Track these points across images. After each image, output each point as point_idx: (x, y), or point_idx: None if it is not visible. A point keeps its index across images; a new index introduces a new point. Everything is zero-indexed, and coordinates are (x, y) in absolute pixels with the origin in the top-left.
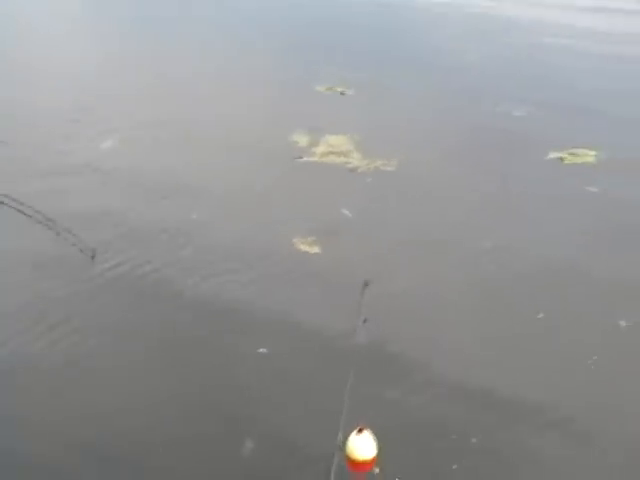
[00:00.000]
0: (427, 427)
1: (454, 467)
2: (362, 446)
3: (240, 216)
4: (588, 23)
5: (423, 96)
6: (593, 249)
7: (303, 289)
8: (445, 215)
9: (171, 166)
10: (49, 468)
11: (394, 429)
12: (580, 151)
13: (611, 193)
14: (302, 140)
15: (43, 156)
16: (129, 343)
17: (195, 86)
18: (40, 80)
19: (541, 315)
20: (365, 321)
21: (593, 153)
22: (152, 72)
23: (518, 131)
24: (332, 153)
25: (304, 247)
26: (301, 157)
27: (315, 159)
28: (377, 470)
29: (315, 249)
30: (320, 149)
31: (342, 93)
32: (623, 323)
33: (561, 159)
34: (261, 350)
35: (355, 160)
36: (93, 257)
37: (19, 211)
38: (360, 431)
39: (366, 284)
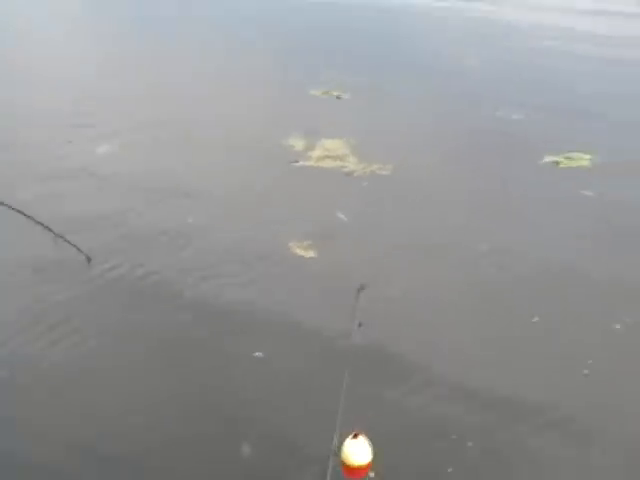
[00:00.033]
0: (425, 428)
1: (449, 470)
2: (357, 451)
3: (236, 220)
4: (588, 26)
5: (420, 100)
6: (590, 251)
7: (299, 293)
8: (441, 219)
9: (169, 168)
10: (49, 468)
11: (391, 430)
12: (575, 155)
13: (606, 196)
14: (298, 144)
15: (42, 159)
16: (127, 344)
17: (192, 88)
18: (39, 81)
19: (537, 318)
20: (360, 325)
21: (588, 157)
22: (151, 73)
23: (515, 135)
24: (328, 157)
25: (300, 251)
26: (297, 161)
27: (311, 163)
28: (372, 474)
29: (311, 253)
30: (316, 153)
31: (338, 97)
32: (622, 323)
33: (556, 163)
34: (257, 354)
35: (351, 164)
36: (89, 261)
37: (18, 212)
38: (355, 436)
39: (361, 288)
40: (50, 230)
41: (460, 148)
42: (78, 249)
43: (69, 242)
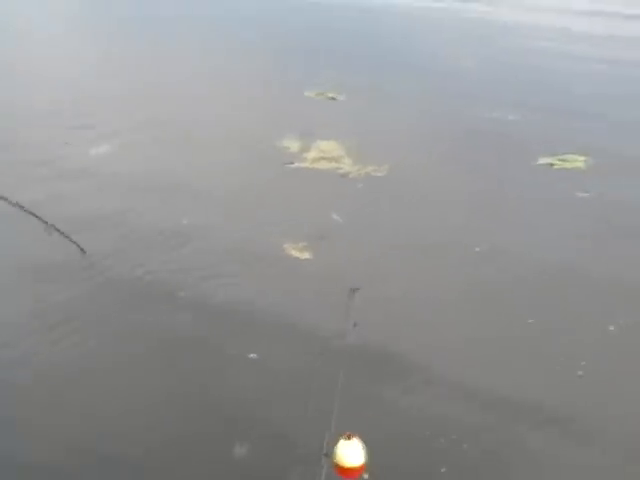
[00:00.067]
0: (422, 427)
1: (443, 470)
2: (350, 453)
3: (232, 221)
4: (584, 27)
5: (415, 101)
6: (585, 252)
7: (295, 294)
8: (436, 219)
9: (166, 168)
10: (49, 468)
11: (387, 430)
12: (570, 157)
13: (601, 197)
14: (293, 145)
15: (41, 159)
16: (126, 344)
17: (189, 88)
18: (39, 81)
19: (532, 319)
20: (355, 325)
21: (582, 159)
22: (148, 73)
23: (510, 136)
24: (323, 159)
25: (295, 252)
26: (292, 163)
27: (306, 165)
28: (366, 476)
29: (306, 254)
30: (311, 155)
31: (333, 98)
32: (616, 325)
33: (551, 164)
34: (251, 355)
35: (346, 166)
36: (84, 252)
37: (16, 205)
38: (349, 437)
39: (354, 290)
40: (43, 221)
41: (455, 149)
42: (71, 240)
43: (62, 233)
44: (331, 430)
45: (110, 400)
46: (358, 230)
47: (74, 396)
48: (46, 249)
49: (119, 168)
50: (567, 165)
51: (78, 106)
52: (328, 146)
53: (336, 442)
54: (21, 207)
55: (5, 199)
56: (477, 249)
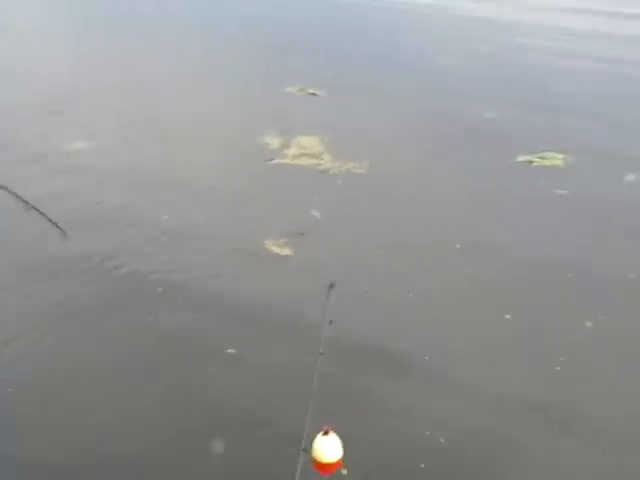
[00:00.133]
0: (406, 426)
1: (422, 466)
2: (327, 448)
3: (211, 218)
4: (570, 24)
5: (396, 98)
6: (563, 248)
7: (274, 290)
8: (415, 216)
9: (145, 165)
10: (49, 468)
11: (368, 428)
12: (549, 154)
13: (578, 194)
14: (274, 142)
15: (18, 157)
16: (126, 344)
17: (168, 85)
18: (12, 81)
19: (509, 315)
20: (331, 322)
21: (561, 156)
22: (128, 71)
23: (490, 133)
24: (304, 155)
25: (276, 249)
26: (272, 159)
27: (287, 161)
28: (345, 472)
29: (286, 251)
30: (292, 151)
31: (313, 94)
32: (595, 320)
33: (530, 162)
34: (230, 351)
35: (326, 162)
36: (65, 235)
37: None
38: (326, 433)
39: (332, 286)
40: (24, 200)
41: (437, 146)
42: (50, 220)
43: (41, 213)
44: (306, 427)
45: (110, 400)
46: (337, 227)
47: (74, 396)
48: (46, 247)
49: (95, 162)
50: (546, 163)
51: (54, 103)
52: (309, 142)
53: (314, 437)
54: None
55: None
56: (457, 246)
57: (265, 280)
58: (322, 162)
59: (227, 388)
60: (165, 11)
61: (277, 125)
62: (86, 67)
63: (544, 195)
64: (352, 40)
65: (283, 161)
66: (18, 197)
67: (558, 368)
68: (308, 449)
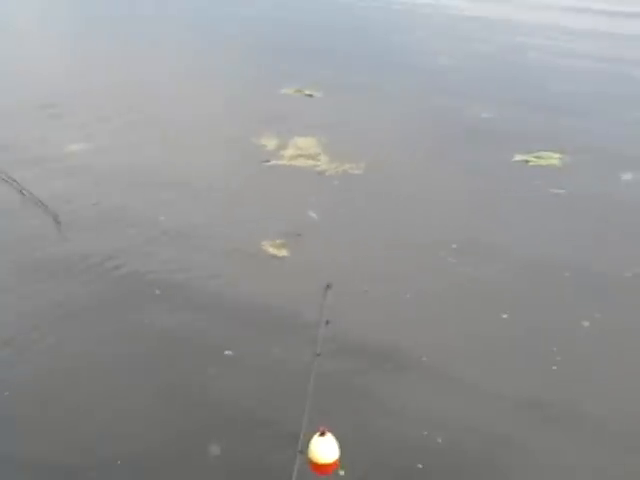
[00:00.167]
0: (403, 427)
1: (419, 466)
2: (324, 449)
3: (209, 219)
4: (569, 23)
5: (394, 98)
6: (565, 248)
7: (272, 291)
8: (411, 216)
9: (144, 165)
10: (49, 468)
11: (366, 429)
12: (545, 154)
13: (574, 193)
14: (270, 143)
15: (18, 158)
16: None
17: (166, 86)
18: (12, 82)
19: (506, 315)
20: (328, 323)
21: (557, 156)
22: (128, 71)
23: (488, 133)
24: (300, 156)
25: (273, 250)
26: (269, 160)
27: (283, 162)
28: (342, 472)
29: (283, 252)
30: (288, 152)
31: (310, 95)
32: (591, 319)
33: (526, 161)
34: (227, 352)
35: (323, 163)
36: (59, 224)
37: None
38: (322, 434)
39: (328, 287)
40: (18, 185)
41: (433, 147)
42: (42, 204)
43: (35, 197)
44: (303, 429)
45: (110, 400)
46: (334, 227)
47: (74, 396)
48: (46, 247)
49: (94, 165)
50: (542, 162)
51: (52, 103)
52: (305, 143)
53: (310, 439)
54: None
55: None
56: (454, 246)
57: (263, 281)
58: (319, 163)
59: (226, 388)
60: (165, 11)
61: (273, 126)
62: (85, 67)
63: (540, 195)
64: (352, 40)
65: (280, 162)
66: (10, 180)
67: (555, 367)
68: (305, 450)
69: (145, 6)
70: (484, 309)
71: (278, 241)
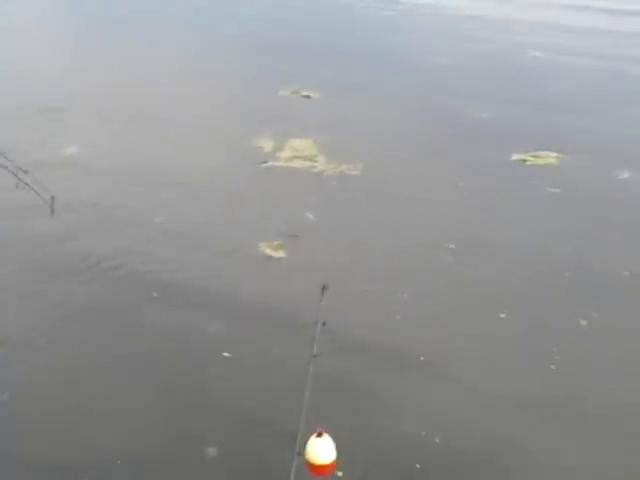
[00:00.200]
0: (401, 428)
1: (418, 466)
2: (321, 450)
3: (206, 220)
4: (569, 21)
5: (390, 99)
6: (561, 247)
7: (269, 292)
8: (409, 216)
9: (142, 166)
10: (49, 468)
11: (360, 425)
12: (542, 153)
13: (571, 192)
14: (267, 145)
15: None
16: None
17: (163, 87)
18: (13, 82)
19: (504, 314)
20: (324, 324)
21: (555, 155)
22: (128, 71)
23: (486, 132)
24: (297, 157)
25: (270, 251)
26: (266, 162)
27: (280, 163)
28: (340, 474)
29: (280, 253)
30: (285, 153)
31: (307, 97)
32: (590, 319)
33: (523, 161)
34: (225, 354)
35: (320, 164)
36: (52, 211)
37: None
38: (319, 435)
39: (324, 287)
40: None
41: (431, 146)
42: (36, 192)
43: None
44: (300, 430)
45: (110, 400)
46: (331, 228)
47: (74, 396)
48: (46, 247)
49: (94, 165)
50: (539, 161)
51: (50, 101)
52: (302, 144)
53: (307, 440)
54: None
55: None
56: (452, 245)
57: (263, 281)
58: (316, 164)
59: (226, 388)
60: (165, 11)
61: (270, 128)
62: (85, 67)
63: (537, 194)
64: (352, 40)
65: (277, 164)
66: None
67: (554, 367)
68: (302, 452)
69: (144, 6)
70: (483, 309)
71: (276, 242)
